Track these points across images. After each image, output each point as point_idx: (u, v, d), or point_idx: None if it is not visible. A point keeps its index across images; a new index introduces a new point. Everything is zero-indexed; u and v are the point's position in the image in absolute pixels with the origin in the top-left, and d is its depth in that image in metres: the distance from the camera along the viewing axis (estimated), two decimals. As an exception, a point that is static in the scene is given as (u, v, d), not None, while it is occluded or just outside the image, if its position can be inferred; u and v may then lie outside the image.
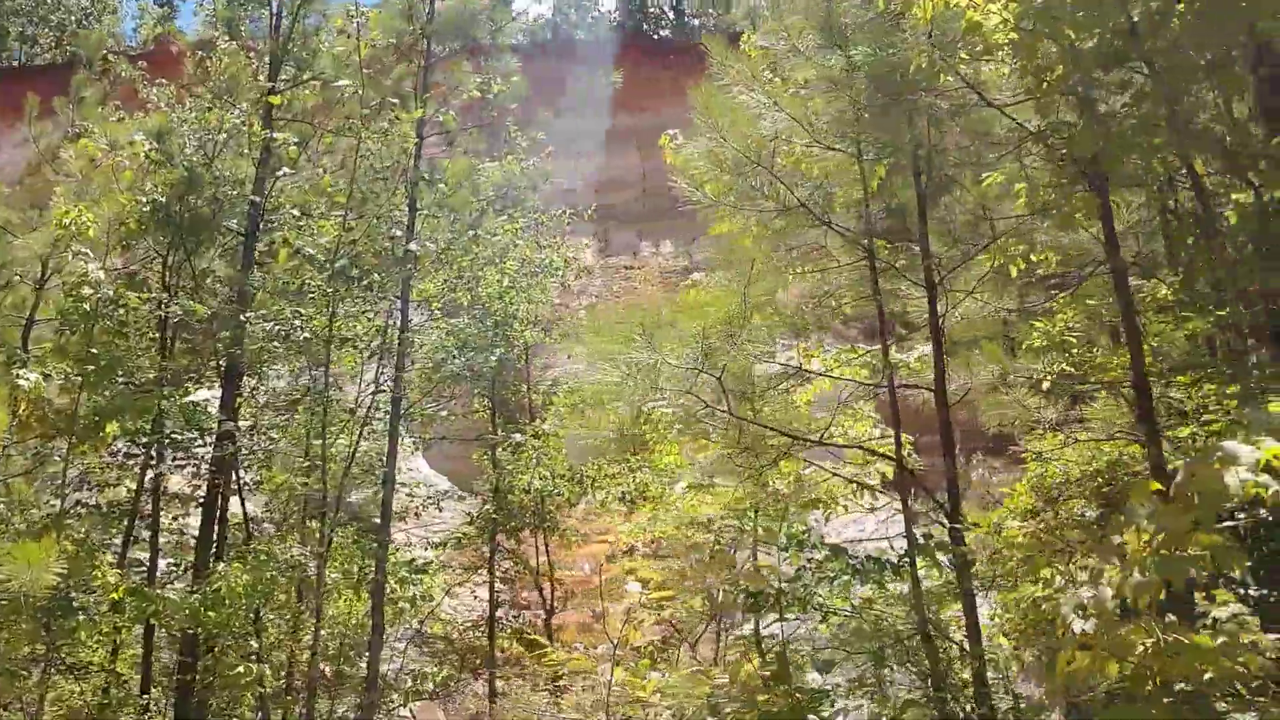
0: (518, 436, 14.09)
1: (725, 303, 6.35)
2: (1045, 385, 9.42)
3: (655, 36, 53.55)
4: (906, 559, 6.75)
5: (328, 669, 13.30)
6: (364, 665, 13.22)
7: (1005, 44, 6.15)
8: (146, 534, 13.14)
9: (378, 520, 14.24)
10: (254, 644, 11.94)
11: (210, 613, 11.05)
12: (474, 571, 16.45)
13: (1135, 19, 5.94)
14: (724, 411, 6.71)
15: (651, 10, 56.14)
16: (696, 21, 54.97)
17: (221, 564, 11.55)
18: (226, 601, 11.12)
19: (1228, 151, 5.55)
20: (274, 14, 14.45)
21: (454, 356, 13.61)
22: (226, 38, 14.80)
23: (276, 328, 12.13)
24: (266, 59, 14.37)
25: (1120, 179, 6.52)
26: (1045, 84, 6.11)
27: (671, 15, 56.51)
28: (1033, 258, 7.27)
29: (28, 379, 10.32)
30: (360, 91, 12.89)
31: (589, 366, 6.73)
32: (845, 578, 6.63)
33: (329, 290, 12.07)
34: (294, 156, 12.80)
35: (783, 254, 7.75)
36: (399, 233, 12.96)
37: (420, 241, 12.93)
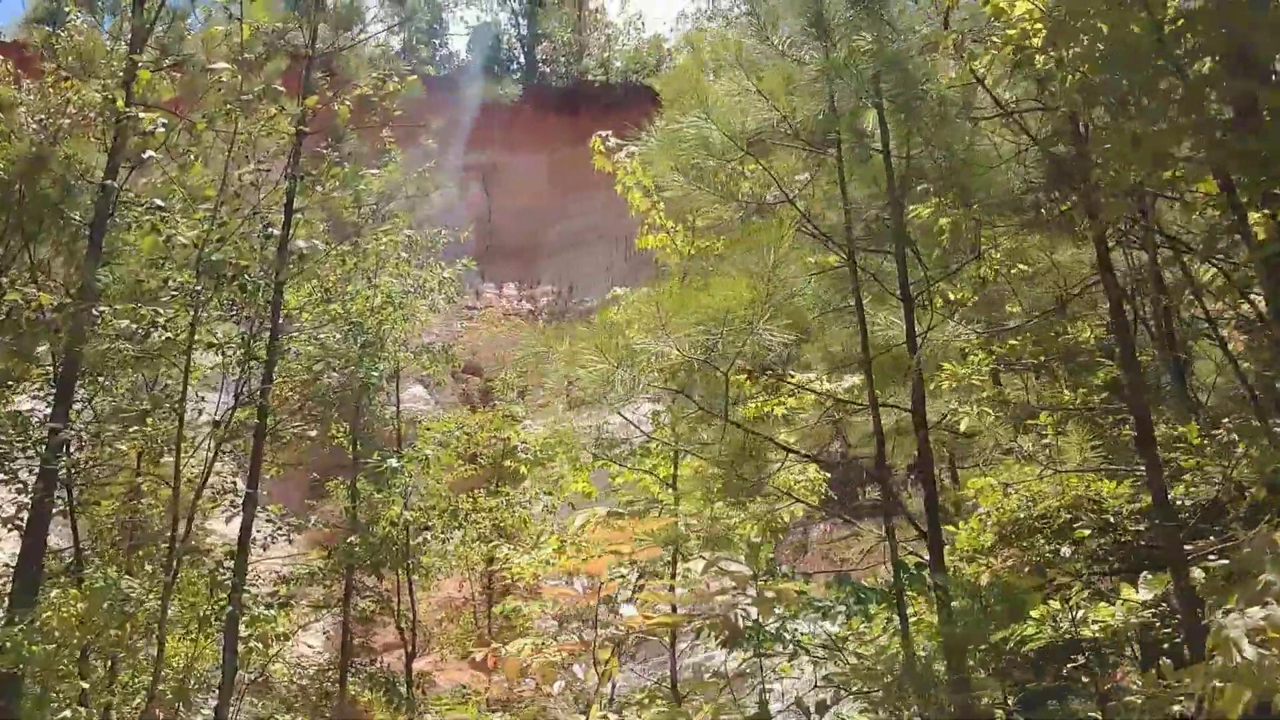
0: (393, 461, 12.92)
1: (741, 289, 5.62)
2: (963, 426, 9.11)
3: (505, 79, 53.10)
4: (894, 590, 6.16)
5: (160, 714, 11.78)
6: (206, 712, 11.80)
7: (1037, 31, 5.77)
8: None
9: (206, 553, 12.84)
10: (83, 685, 10.43)
11: (34, 648, 9.56)
12: (322, 611, 15.06)
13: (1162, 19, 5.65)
14: (720, 417, 6.01)
15: (502, 56, 56.15)
16: (547, 69, 54.87)
17: (55, 590, 10.04)
18: (57, 635, 9.68)
19: (1264, 163, 5.27)
20: (136, -11, 13.00)
21: (329, 371, 12.43)
22: (83, 9, 13.37)
23: (131, 327, 10.76)
24: (125, 39, 12.98)
25: (1118, 192, 6.21)
26: (1068, 80, 5.75)
27: (522, 60, 56.43)
28: (1019, 273, 6.89)
29: None
30: (239, 79, 11.72)
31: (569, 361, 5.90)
32: (840, 610, 6.02)
33: (196, 288, 10.79)
34: (160, 140, 11.47)
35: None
36: (275, 232, 11.78)
37: (309, 242, 11.77)
